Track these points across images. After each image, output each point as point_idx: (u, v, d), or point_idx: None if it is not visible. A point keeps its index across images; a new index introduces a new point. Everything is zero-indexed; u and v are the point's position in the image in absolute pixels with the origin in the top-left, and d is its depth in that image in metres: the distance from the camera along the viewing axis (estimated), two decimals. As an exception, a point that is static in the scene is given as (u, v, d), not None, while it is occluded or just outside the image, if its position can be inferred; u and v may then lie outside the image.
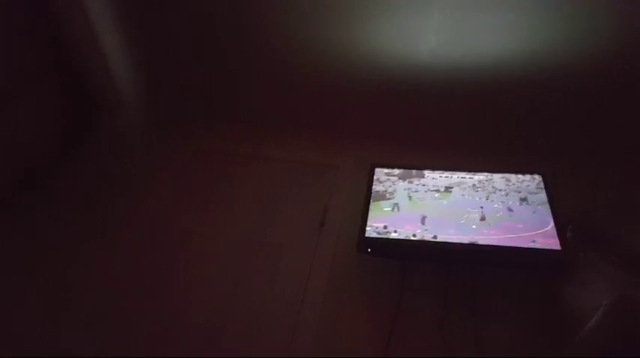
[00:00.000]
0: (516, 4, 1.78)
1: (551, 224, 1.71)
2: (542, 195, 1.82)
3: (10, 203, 2.09)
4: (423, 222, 1.76)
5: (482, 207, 1.80)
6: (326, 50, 2.08)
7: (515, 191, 1.85)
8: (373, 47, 2.02)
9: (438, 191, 1.89)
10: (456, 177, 1.94)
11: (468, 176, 1.93)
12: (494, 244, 1.66)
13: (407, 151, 2.21)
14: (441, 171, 1.97)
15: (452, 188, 1.90)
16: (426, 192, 1.90)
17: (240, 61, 2.22)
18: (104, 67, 2.39)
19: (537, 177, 1.88)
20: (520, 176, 1.90)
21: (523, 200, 1.82)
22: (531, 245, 1.64)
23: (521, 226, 1.72)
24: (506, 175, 1.91)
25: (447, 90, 2.07)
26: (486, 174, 1.93)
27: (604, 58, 1.85)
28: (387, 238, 1.73)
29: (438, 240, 1.70)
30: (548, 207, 1.77)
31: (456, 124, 2.21)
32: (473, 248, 1.66)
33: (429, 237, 1.71)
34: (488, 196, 1.85)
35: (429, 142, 2.22)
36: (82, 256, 1.93)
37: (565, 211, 1.76)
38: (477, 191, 1.87)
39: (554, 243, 1.64)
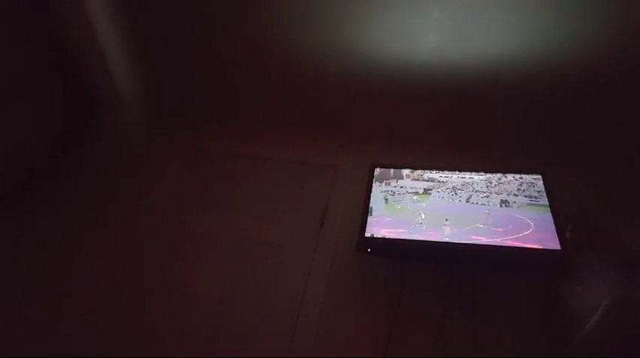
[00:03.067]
0: (516, 4, 1.78)
1: (532, 228, 1.69)
2: (524, 198, 1.79)
3: (10, 203, 2.09)
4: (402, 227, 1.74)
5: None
6: (326, 50, 2.08)
7: (496, 193, 1.83)
8: (373, 47, 2.02)
9: (416, 193, 1.88)
10: (437, 178, 1.91)
11: (452, 176, 1.90)
12: (494, 244, 1.65)
13: (407, 151, 2.21)
14: (426, 172, 1.94)
15: (431, 190, 1.88)
16: (403, 194, 1.87)
17: (240, 61, 2.22)
18: (104, 67, 2.39)
19: (520, 178, 1.86)
20: (502, 177, 1.87)
21: (504, 202, 1.80)
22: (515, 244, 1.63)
23: (500, 230, 1.70)
24: (489, 176, 1.88)
25: (446, 90, 2.07)
26: (469, 174, 1.91)
27: (604, 58, 1.85)
28: (388, 238, 1.73)
29: (437, 240, 1.70)
30: (532, 209, 1.74)
31: (455, 124, 2.21)
32: (473, 248, 1.66)
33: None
34: (468, 198, 1.83)
35: (428, 142, 2.22)
36: (82, 256, 1.93)
37: (565, 211, 1.76)
38: (457, 193, 1.85)
39: (553, 244, 1.64)
